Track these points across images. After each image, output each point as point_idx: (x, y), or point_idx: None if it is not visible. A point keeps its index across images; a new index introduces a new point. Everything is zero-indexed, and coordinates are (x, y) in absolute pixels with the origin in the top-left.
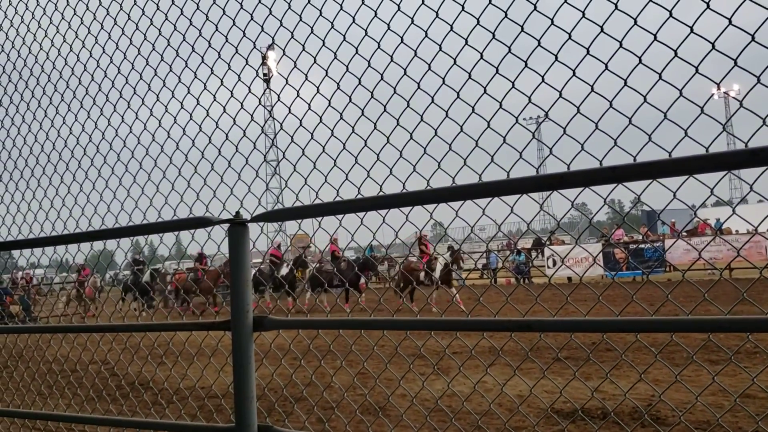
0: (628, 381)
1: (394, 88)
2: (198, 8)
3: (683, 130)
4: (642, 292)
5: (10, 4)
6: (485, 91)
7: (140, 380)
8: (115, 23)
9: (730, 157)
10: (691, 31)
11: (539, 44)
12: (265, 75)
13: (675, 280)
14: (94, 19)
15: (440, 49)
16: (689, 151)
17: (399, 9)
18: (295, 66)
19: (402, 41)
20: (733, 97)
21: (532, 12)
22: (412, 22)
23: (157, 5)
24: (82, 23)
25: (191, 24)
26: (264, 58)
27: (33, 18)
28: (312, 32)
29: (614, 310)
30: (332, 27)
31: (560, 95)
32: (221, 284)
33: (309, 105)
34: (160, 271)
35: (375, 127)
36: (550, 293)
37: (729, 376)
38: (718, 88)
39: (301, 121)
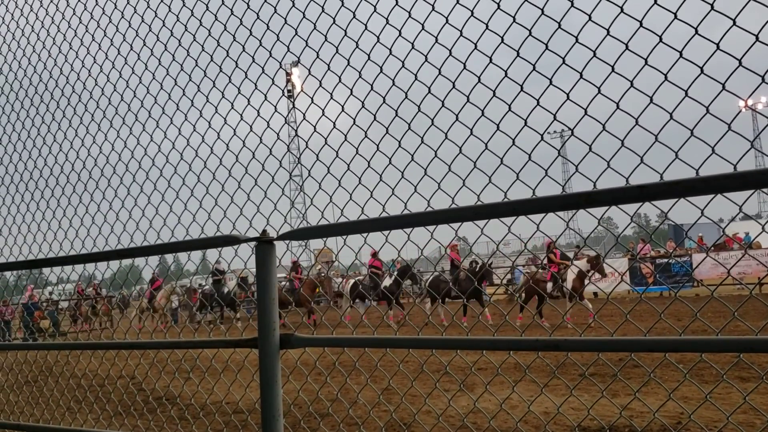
0: (656, 398)
1: (419, 106)
2: (225, 29)
3: (710, 147)
4: (669, 308)
5: (44, 27)
6: (510, 109)
7: (167, 395)
8: (144, 44)
9: (759, 176)
10: (717, 48)
11: (564, 62)
12: (289, 91)
13: (703, 295)
14: (124, 40)
15: (464, 68)
16: (716, 167)
17: (423, 28)
18: (320, 85)
19: (426, 60)
20: (759, 112)
21: (556, 30)
22: (436, 41)
23: (185, 26)
24: (111, 44)
25: (218, 44)
26: (288, 74)
27: (65, 40)
28: (337, 51)
29: (642, 328)
30: (357, 46)
31: (585, 113)
32: (316, 295)
33: (334, 123)
34: (248, 281)
35: (399, 145)
36: (576, 308)
37: (761, 394)
38: (746, 104)
39: (326, 139)
